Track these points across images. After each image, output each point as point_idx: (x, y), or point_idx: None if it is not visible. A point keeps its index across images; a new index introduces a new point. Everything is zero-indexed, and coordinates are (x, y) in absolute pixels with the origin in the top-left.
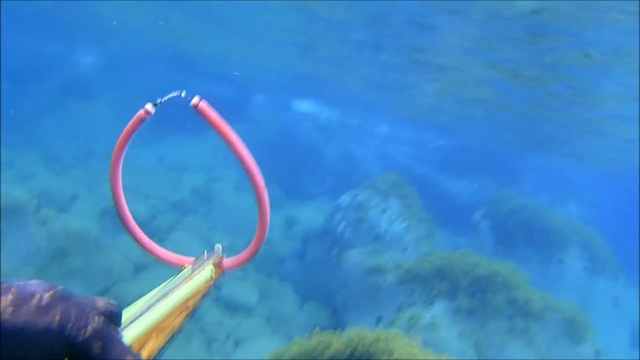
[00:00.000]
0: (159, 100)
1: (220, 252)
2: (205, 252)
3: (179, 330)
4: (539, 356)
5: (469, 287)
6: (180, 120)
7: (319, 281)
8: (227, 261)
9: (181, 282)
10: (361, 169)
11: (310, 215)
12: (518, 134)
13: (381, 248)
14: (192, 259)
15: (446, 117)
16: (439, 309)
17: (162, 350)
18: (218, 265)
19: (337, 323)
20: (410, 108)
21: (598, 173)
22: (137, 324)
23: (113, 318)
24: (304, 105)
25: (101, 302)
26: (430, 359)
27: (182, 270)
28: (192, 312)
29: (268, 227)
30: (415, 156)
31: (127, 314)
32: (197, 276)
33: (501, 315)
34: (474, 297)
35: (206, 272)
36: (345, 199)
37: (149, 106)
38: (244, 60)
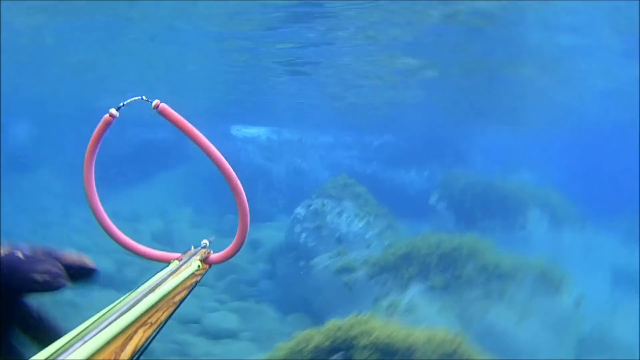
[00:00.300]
0: (121, 104)
1: (208, 247)
2: (192, 247)
3: (165, 323)
4: (522, 314)
5: (438, 265)
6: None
7: (295, 293)
8: (214, 256)
9: (168, 277)
10: (311, 180)
11: (271, 234)
12: (455, 112)
13: (345, 249)
14: (178, 254)
15: (382, 112)
16: (414, 292)
17: (147, 343)
18: (205, 260)
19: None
20: (346, 113)
21: (541, 135)
22: (124, 318)
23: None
24: (243, 131)
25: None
26: (410, 331)
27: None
28: (178, 306)
29: (248, 217)
30: (361, 157)
31: (114, 308)
32: (184, 271)
33: (475, 284)
34: (445, 272)
35: (193, 266)
36: (300, 211)
37: (113, 110)
38: (171, 97)
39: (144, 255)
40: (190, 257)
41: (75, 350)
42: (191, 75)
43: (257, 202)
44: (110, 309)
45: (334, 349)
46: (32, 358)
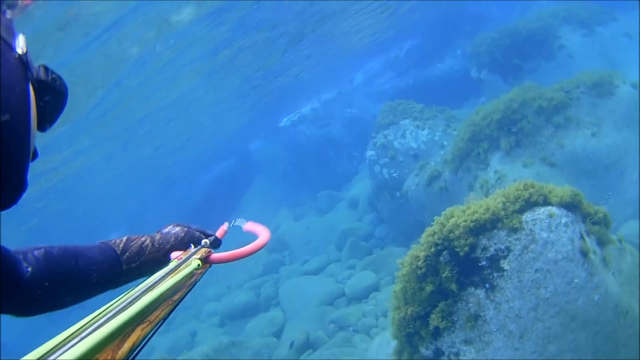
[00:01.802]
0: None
1: (208, 246)
2: (192, 245)
3: (164, 321)
4: (594, 126)
5: (501, 129)
6: None
7: (406, 223)
8: (215, 255)
9: (167, 275)
10: (368, 120)
11: (363, 185)
12: None
13: (425, 161)
14: (179, 252)
15: (393, 26)
16: (495, 162)
17: (146, 341)
18: (205, 260)
19: None
20: (362, 46)
21: None
22: (122, 316)
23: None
24: (288, 120)
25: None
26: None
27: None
28: (177, 304)
29: (260, 249)
30: (397, 73)
31: (113, 306)
32: (184, 270)
33: (541, 127)
34: (510, 133)
35: (192, 265)
36: (370, 153)
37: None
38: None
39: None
40: (190, 256)
41: (72, 347)
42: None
43: (337, 167)
44: (108, 307)
45: (437, 253)
46: (31, 353)
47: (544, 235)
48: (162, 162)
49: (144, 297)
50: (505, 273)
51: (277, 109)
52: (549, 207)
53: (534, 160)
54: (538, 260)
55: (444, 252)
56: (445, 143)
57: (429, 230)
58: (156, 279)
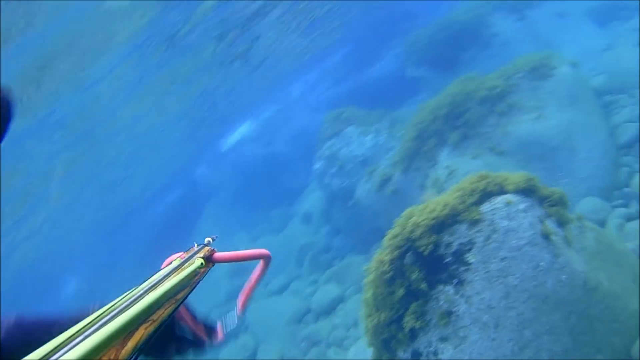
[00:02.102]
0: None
1: (211, 245)
2: (195, 244)
3: (167, 320)
4: (537, 110)
5: (446, 124)
6: None
7: (363, 231)
8: (219, 254)
9: (170, 274)
10: (312, 132)
11: (314, 198)
12: None
13: (374, 166)
14: (181, 252)
15: (327, 33)
16: (444, 158)
17: (149, 339)
18: (208, 259)
19: None
20: (300, 56)
21: None
22: (125, 315)
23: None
24: (229, 141)
25: None
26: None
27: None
28: (180, 303)
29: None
30: (335, 79)
31: (116, 305)
32: (187, 269)
33: (485, 116)
34: (456, 127)
35: (196, 264)
36: (317, 165)
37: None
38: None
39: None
40: (193, 255)
41: (76, 346)
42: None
43: (287, 183)
44: (112, 306)
45: (402, 255)
46: (34, 352)
47: (505, 223)
48: (112, 197)
49: (147, 295)
50: (471, 266)
51: (219, 132)
52: (506, 195)
53: (483, 151)
54: (502, 249)
55: (409, 253)
56: (391, 145)
57: (390, 232)
58: (159, 278)
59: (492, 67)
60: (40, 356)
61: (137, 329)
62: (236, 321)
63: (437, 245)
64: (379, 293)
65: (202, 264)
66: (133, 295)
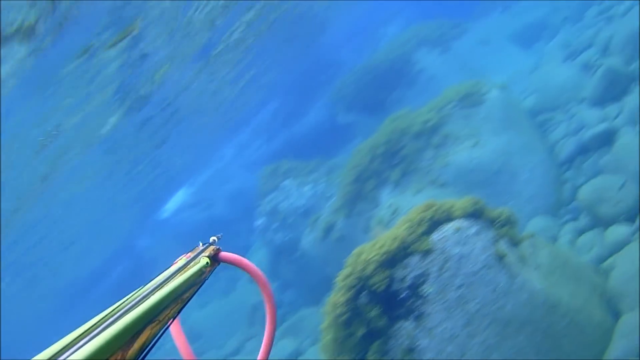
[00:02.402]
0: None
1: (216, 244)
2: (200, 243)
3: (173, 320)
4: (473, 137)
5: (384, 163)
6: None
7: (313, 281)
8: (225, 254)
9: (176, 274)
10: (249, 190)
11: (261, 255)
12: None
13: (316, 215)
14: (186, 252)
15: (254, 91)
16: (385, 197)
17: (155, 340)
18: (213, 258)
19: None
20: (227, 114)
21: None
22: (131, 315)
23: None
24: (168, 208)
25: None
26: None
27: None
28: (186, 303)
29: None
30: (268, 136)
31: (122, 305)
32: (193, 268)
33: (422, 150)
34: (394, 164)
35: (201, 263)
36: (258, 222)
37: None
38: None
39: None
40: (198, 254)
41: (83, 346)
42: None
43: (230, 245)
44: (118, 306)
45: (356, 295)
46: (42, 352)
47: (457, 250)
48: (56, 279)
49: (153, 295)
50: (428, 298)
51: (156, 202)
52: (455, 222)
53: (424, 185)
54: (457, 276)
55: (363, 292)
56: (331, 193)
57: (342, 273)
58: (165, 278)
59: (422, 102)
60: (48, 357)
61: (143, 329)
62: None
63: (391, 280)
64: (337, 337)
65: (207, 263)
66: (139, 296)
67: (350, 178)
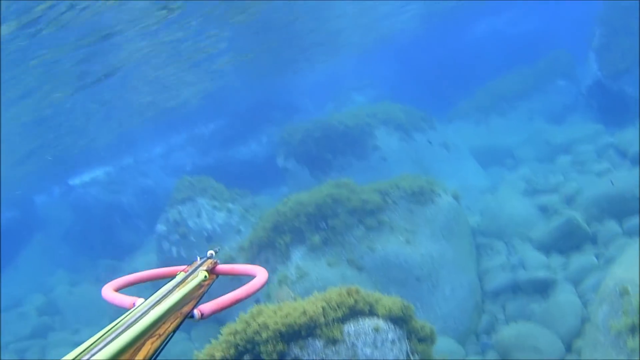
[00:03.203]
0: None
1: (214, 258)
2: (198, 257)
3: (173, 334)
4: (408, 233)
5: (310, 223)
6: None
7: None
8: (222, 267)
9: (175, 288)
10: (161, 194)
11: (147, 260)
12: (267, 69)
13: (218, 244)
14: (184, 266)
15: (203, 103)
16: (297, 257)
17: (156, 355)
18: (211, 271)
19: None
20: (165, 116)
21: (363, 58)
22: (131, 331)
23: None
24: (80, 179)
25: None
26: (305, 302)
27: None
28: (186, 316)
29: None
30: (199, 150)
31: (122, 321)
32: (191, 282)
33: (352, 226)
34: (319, 228)
35: (200, 277)
36: (160, 228)
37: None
38: None
39: (152, 278)
40: (196, 268)
41: None
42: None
43: (122, 236)
44: (118, 322)
45: (238, 356)
46: None
47: (368, 351)
48: None
49: (152, 310)
50: None
51: (70, 166)
52: (375, 320)
53: (340, 260)
54: None
55: (246, 355)
56: (242, 229)
57: (230, 327)
58: (164, 292)
59: (364, 179)
60: None
61: (144, 344)
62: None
63: (282, 356)
64: None
65: (205, 277)
66: (139, 311)
67: (268, 223)
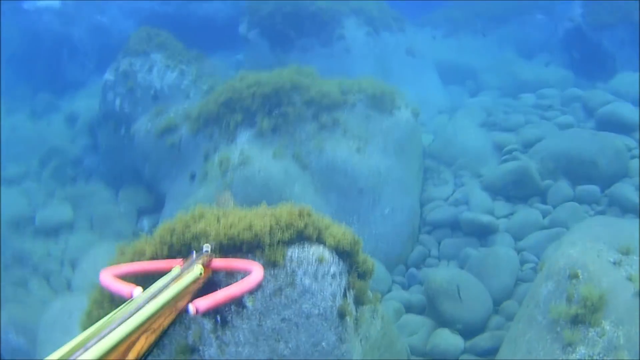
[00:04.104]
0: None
1: (210, 253)
2: (194, 252)
3: (168, 329)
4: (361, 141)
5: (263, 106)
6: None
7: (122, 165)
8: (216, 262)
9: (170, 282)
10: (115, 35)
11: (88, 103)
12: None
13: (164, 106)
14: (179, 260)
15: None
16: (243, 140)
17: (151, 349)
18: (207, 265)
19: (156, 199)
20: None
21: None
22: (126, 325)
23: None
24: (36, 4)
25: None
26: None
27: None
28: (181, 311)
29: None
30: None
31: (117, 315)
32: (186, 277)
33: (305, 119)
34: (272, 113)
35: (195, 272)
36: (109, 77)
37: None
38: None
39: (146, 271)
40: (191, 263)
41: (78, 357)
42: None
43: (66, 72)
44: (113, 316)
45: (171, 255)
46: None
47: (307, 282)
48: None
49: (148, 305)
50: (245, 311)
51: None
52: (321, 249)
53: (286, 154)
54: (289, 309)
55: (178, 256)
56: (191, 94)
57: (167, 225)
58: (159, 287)
59: (324, 66)
60: None
61: (138, 338)
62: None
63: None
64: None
65: (201, 272)
66: (134, 305)
67: (221, 97)
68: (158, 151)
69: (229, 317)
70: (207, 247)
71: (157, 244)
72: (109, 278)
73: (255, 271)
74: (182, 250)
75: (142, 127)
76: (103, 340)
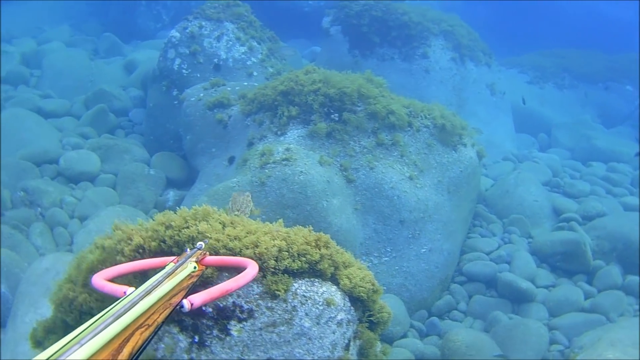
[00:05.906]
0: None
1: (203, 249)
2: (188, 249)
3: (162, 325)
4: (416, 169)
5: (323, 106)
6: None
7: (164, 128)
8: (210, 259)
9: (164, 279)
10: None
11: (150, 55)
12: None
13: (222, 79)
14: (174, 257)
15: None
16: (292, 137)
17: (145, 345)
18: (201, 262)
19: (189, 173)
20: None
21: None
22: (121, 321)
23: None
24: None
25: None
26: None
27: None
28: (175, 307)
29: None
30: None
31: (111, 311)
32: (180, 273)
33: (364, 133)
34: (330, 117)
35: (189, 268)
36: (175, 34)
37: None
38: None
39: (142, 269)
40: (186, 259)
41: (72, 352)
42: None
43: (140, 20)
44: (107, 312)
45: (159, 252)
46: None
47: (306, 324)
48: None
49: (142, 301)
50: (228, 339)
51: None
52: (333, 290)
53: (333, 162)
54: (279, 349)
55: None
56: (255, 73)
57: (165, 216)
58: (153, 283)
59: (400, 81)
60: None
61: (132, 334)
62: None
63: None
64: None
65: (195, 267)
66: (128, 301)
67: (282, 86)
68: (204, 123)
69: (209, 341)
70: (200, 244)
71: (146, 237)
72: (101, 281)
73: (250, 267)
74: (172, 250)
75: (195, 95)
76: (98, 336)
